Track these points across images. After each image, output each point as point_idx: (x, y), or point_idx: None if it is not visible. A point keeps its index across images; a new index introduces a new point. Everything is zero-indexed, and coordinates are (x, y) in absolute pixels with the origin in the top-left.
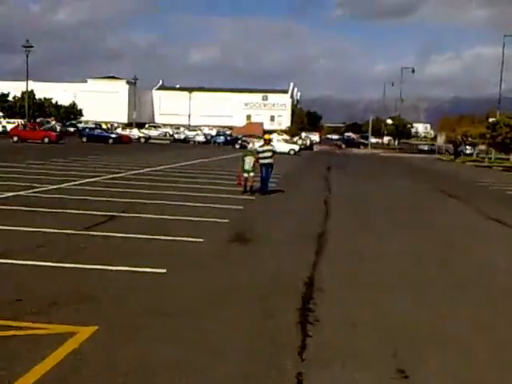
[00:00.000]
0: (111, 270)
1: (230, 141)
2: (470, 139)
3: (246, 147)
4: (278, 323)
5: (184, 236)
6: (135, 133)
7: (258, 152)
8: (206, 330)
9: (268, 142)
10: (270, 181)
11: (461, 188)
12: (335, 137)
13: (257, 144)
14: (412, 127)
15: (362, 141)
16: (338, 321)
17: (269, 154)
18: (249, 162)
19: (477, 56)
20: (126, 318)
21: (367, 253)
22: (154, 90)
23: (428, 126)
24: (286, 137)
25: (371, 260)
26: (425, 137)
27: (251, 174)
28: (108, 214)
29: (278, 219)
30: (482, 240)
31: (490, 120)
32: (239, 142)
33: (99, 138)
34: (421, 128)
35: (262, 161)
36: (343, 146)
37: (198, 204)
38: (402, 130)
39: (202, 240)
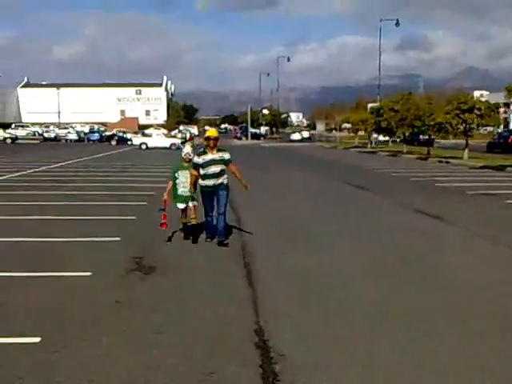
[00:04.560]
0: None
1: (106, 138)
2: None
3: (123, 141)
4: None
5: (64, 269)
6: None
7: (198, 165)
8: None
9: (214, 143)
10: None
11: (365, 178)
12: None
13: (185, 150)
14: (288, 117)
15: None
16: None
17: (217, 168)
18: (184, 180)
19: (341, 45)
20: None
21: (306, 274)
22: (18, 88)
23: (300, 115)
24: (165, 131)
25: (318, 287)
26: (298, 125)
27: (191, 204)
28: None
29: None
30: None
31: (371, 105)
32: (115, 138)
33: None
34: (294, 117)
35: (204, 182)
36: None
37: (81, 217)
38: (278, 120)
39: (89, 274)
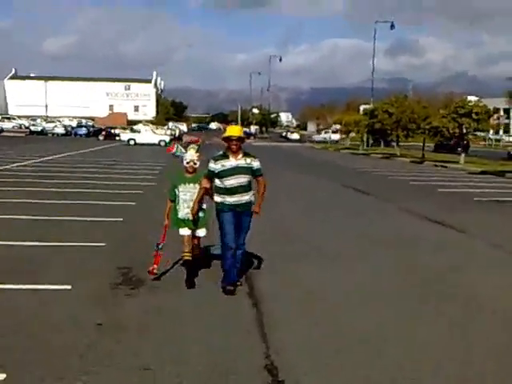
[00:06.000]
0: None
1: (94, 132)
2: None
3: (111, 136)
4: None
5: (40, 281)
6: None
7: (215, 174)
8: None
9: (237, 145)
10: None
11: (365, 182)
12: (211, 126)
13: (188, 156)
14: (278, 116)
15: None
16: None
17: (242, 179)
18: (189, 199)
19: (331, 47)
20: None
21: (313, 293)
22: (6, 80)
23: (289, 114)
24: (154, 127)
25: (327, 307)
26: (288, 125)
27: (201, 232)
28: None
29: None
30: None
31: (364, 107)
32: (103, 133)
33: None
34: (283, 117)
35: (224, 199)
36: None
37: (61, 218)
38: (268, 119)
39: (69, 288)
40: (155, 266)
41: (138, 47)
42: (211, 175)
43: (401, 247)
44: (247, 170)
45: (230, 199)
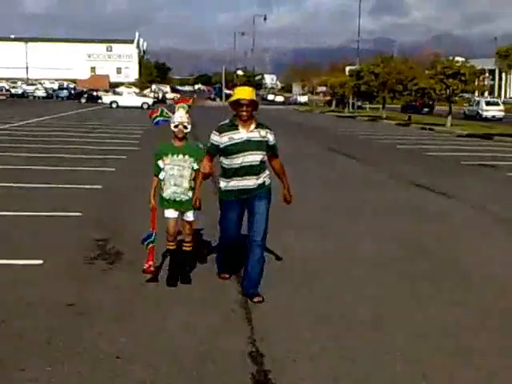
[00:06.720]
0: None
1: (75, 95)
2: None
3: (93, 99)
4: None
5: (8, 255)
6: None
7: (219, 150)
8: None
9: (249, 111)
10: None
11: (351, 145)
12: (187, 88)
13: (177, 117)
14: (263, 78)
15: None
16: None
17: (255, 156)
18: (177, 174)
19: (315, 6)
20: None
21: (301, 263)
22: None
23: (274, 77)
24: (136, 89)
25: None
26: (272, 87)
27: (191, 216)
28: None
29: None
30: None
31: (349, 68)
32: (85, 95)
33: None
34: (268, 79)
35: (231, 182)
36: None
37: (34, 185)
38: (253, 81)
39: (40, 262)
40: (150, 262)
41: (119, 7)
42: (214, 151)
43: (386, 215)
44: (262, 146)
45: (238, 183)
